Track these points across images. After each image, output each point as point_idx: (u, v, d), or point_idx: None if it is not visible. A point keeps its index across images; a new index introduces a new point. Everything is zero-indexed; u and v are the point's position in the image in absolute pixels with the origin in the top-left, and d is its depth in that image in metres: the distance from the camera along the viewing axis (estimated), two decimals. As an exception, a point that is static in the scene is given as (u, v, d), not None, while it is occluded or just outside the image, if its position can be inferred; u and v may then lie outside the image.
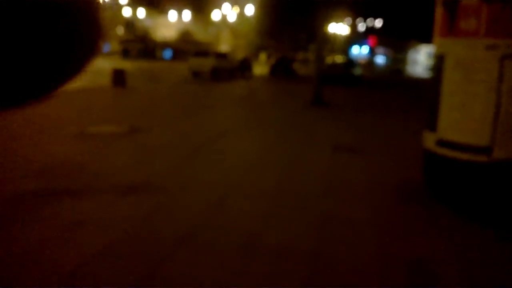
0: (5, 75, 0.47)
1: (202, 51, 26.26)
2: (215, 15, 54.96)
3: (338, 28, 52.84)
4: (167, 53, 45.72)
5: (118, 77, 17.10)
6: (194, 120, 10.76)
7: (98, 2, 0.54)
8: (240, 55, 36.88)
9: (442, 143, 4.93)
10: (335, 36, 52.64)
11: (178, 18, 58.40)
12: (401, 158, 7.44)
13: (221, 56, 26.60)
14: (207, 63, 25.02)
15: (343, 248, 3.88)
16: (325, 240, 4.04)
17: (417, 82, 33.20)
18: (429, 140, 5.21)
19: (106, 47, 40.51)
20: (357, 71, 26.98)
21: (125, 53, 42.57)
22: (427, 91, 5.43)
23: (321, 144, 8.41)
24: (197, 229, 4.17)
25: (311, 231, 4.26)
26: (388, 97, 19.52)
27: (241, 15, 53.56)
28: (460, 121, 4.72)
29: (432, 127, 5.09)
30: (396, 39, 46.19)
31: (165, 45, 48.33)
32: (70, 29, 0.51)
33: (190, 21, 58.82)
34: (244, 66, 28.97)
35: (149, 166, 6.28)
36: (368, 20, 61.36)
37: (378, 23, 61.06)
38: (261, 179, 5.93)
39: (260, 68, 37.42)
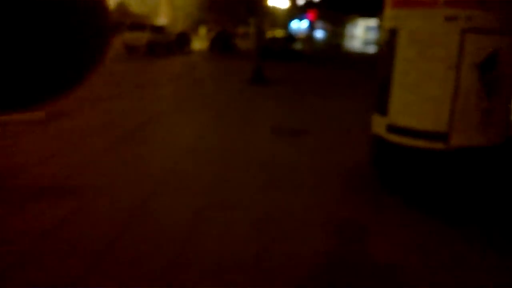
0: (16, 76, 0.45)
1: (137, 24, 24.58)
2: (153, -13, 52.37)
3: (278, 2, 52.06)
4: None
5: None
6: (124, 102, 9.76)
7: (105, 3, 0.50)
8: (179, 29, 35.36)
9: (393, 128, 4.37)
10: (275, 10, 51.86)
11: (113, -10, 55.27)
12: (345, 141, 6.91)
13: (158, 29, 25.08)
14: (142, 37, 23.54)
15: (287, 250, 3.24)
16: (268, 244, 3.38)
17: (356, 57, 33.24)
18: (378, 125, 4.65)
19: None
20: (297, 46, 26.45)
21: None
22: (376, 69, 4.83)
23: (261, 126, 7.73)
24: (116, 243, 3.38)
25: (253, 234, 3.59)
26: (329, 73, 19.11)
27: (178, -13, 51.37)
28: (414, 103, 4.17)
29: (382, 111, 4.52)
30: (335, 13, 46.03)
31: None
32: (80, 29, 0.49)
33: (126, -8, 55.87)
34: (182, 41, 27.66)
35: (64, 161, 5.34)
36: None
37: (317, -3, 60.74)
38: (195, 172, 5.17)
39: (200, 42, 36.07)
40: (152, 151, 5.93)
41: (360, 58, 32.21)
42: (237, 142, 6.57)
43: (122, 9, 48.61)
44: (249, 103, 10.32)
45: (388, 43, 4.47)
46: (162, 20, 44.40)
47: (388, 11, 4.54)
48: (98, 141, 6.23)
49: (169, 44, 25.45)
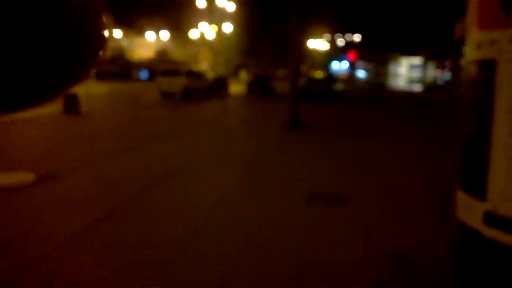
0: (8, 77, 0.46)
1: (172, 69, 23.82)
2: (193, 34, 52.82)
3: (318, 44, 51.38)
4: (143, 74, 43.43)
5: (70, 102, 14.70)
6: (138, 155, 8.41)
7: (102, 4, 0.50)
8: (218, 73, 34.77)
9: (497, 220, 2.64)
10: (315, 52, 51.06)
11: (156, 38, 56.30)
12: (401, 212, 5.16)
13: (194, 74, 24.20)
14: (177, 83, 22.71)
15: None
16: None
17: (401, 96, 31.29)
18: (468, 210, 2.92)
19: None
20: (338, 86, 24.92)
21: (100, 75, 40.09)
22: (454, 121, 3.16)
23: (294, 189, 6.10)
24: None
25: None
26: (373, 115, 17.33)
27: (219, 33, 51.55)
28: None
29: (475, 190, 2.80)
30: (377, 52, 44.49)
31: (141, 65, 46.05)
32: (74, 28, 0.49)
33: (168, 40, 56.85)
34: (220, 85, 26.70)
35: (36, 244, 3.90)
36: (347, 35, 59.93)
37: (357, 37, 59.87)
38: (206, 262, 3.58)
39: (240, 87, 35.26)
40: (153, 231, 4.39)
41: (405, 97, 30.28)
42: (262, 214, 4.95)
43: (163, 56, 49.09)
44: (282, 155, 8.73)
45: (478, 82, 2.80)
46: (199, 65, 44.28)
47: (476, 35, 2.89)
48: (81, 217, 4.77)
49: (206, 89, 24.48)
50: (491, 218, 2.72)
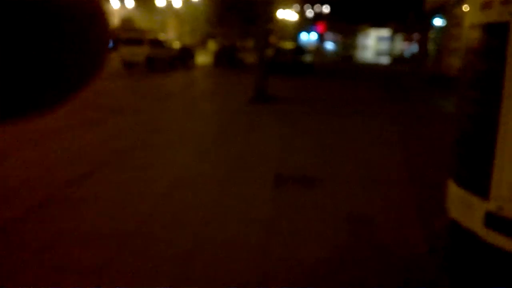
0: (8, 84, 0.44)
1: (135, 38, 22.52)
2: (160, 1, 50.76)
3: (287, 15, 50.35)
4: (107, 42, 41.48)
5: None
6: (90, 131, 7.63)
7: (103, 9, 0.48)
8: (186, 43, 33.48)
9: (500, 222, 2.13)
10: (284, 23, 50.07)
11: (120, 5, 53.91)
12: (377, 195, 4.68)
13: (158, 43, 22.98)
14: (140, 52, 21.50)
15: None
16: None
17: (370, 68, 30.96)
18: (463, 208, 2.40)
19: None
20: (308, 58, 24.25)
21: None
22: (449, 96, 2.61)
23: (259, 171, 5.52)
24: None
25: None
26: (343, 87, 16.83)
27: (186, 1, 49.71)
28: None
29: (476, 186, 2.27)
30: (345, 24, 43.83)
31: (105, 33, 43.99)
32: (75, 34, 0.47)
33: (134, 8, 54.55)
34: (186, 55, 25.60)
35: None
36: (316, 6, 58.89)
37: (326, 9, 59.01)
38: (154, 262, 2.97)
39: (208, 57, 34.12)
40: (93, 223, 3.75)
41: (374, 69, 29.96)
42: (222, 201, 4.36)
43: (127, 25, 47.08)
44: (246, 132, 8.12)
45: (483, 51, 2.23)
46: (165, 34, 42.62)
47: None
48: (12, 207, 4.07)
49: (171, 59, 23.37)
50: (494, 220, 2.20)
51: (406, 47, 37.30)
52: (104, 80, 16.97)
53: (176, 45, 26.09)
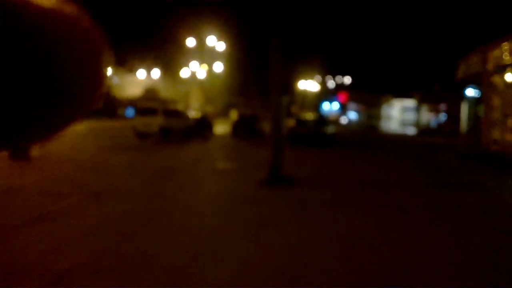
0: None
1: (149, 108, 21.18)
2: (184, 73, 50.71)
3: (308, 85, 49.53)
4: (129, 111, 40.89)
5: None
6: (66, 223, 5.59)
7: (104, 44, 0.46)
8: (208, 112, 32.37)
9: None
10: (305, 93, 49.14)
11: (146, 76, 54.27)
12: None
13: (172, 113, 21.55)
14: (154, 123, 20.03)
15: None
16: None
17: (397, 140, 28.80)
18: None
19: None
20: (330, 129, 22.35)
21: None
22: None
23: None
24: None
25: None
26: (372, 165, 14.56)
27: (210, 72, 49.51)
28: None
29: None
30: (368, 94, 42.40)
31: (129, 103, 43.62)
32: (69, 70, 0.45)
33: (159, 79, 54.85)
34: (203, 125, 24.05)
35: None
36: (338, 77, 58.24)
37: (348, 79, 58.28)
38: None
39: (228, 126, 32.72)
40: None
41: (400, 141, 27.80)
42: None
43: (150, 94, 46.75)
44: (251, 233, 5.92)
45: None
46: (194, 104, 41.83)
47: None
48: None
49: (186, 130, 21.81)
50: None
51: (433, 118, 35.22)
52: (110, 151, 15.33)
53: (194, 115, 24.69)
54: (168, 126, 20.50)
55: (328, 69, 50.45)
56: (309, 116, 24.94)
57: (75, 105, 0.44)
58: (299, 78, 47.77)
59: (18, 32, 0.39)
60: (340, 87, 53.34)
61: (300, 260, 4.86)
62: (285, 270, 4.57)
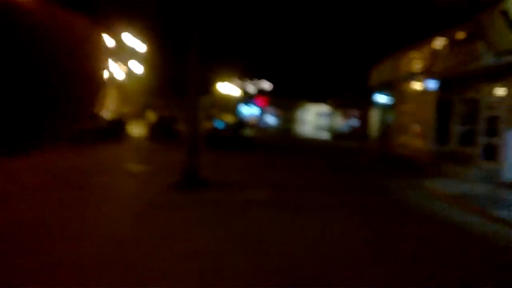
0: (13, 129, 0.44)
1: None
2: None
3: (228, 88, 49.45)
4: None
5: None
6: None
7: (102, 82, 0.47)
8: (125, 113, 30.93)
9: None
10: (226, 97, 49.01)
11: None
12: None
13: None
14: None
15: None
16: None
17: (312, 144, 29.53)
18: None
19: None
20: (249, 132, 22.28)
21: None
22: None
23: None
24: None
25: None
26: (291, 168, 14.58)
27: (128, 72, 47.57)
28: None
29: None
30: (286, 98, 43.23)
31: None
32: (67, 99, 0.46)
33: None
34: (118, 127, 22.86)
35: None
36: (258, 81, 58.87)
37: (267, 84, 59.08)
38: None
39: (144, 128, 31.46)
40: None
41: (315, 145, 28.55)
42: None
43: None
44: (156, 244, 5.45)
45: None
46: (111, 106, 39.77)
47: None
48: None
49: (99, 131, 20.55)
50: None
51: (346, 123, 36.65)
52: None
53: (107, 116, 23.41)
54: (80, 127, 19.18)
55: (249, 73, 50.73)
56: (229, 119, 24.72)
57: (78, 106, 0.32)
58: (220, 81, 47.53)
59: (18, 36, 0.29)
60: (260, 91, 53.92)
61: (207, 267, 4.51)
62: (194, 276, 4.20)
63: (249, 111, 47.16)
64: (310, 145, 27.93)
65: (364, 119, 29.31)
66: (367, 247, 5.67)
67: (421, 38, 15.98)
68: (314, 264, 4.86)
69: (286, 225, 6.54)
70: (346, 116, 36.65)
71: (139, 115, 46.30)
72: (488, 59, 11.11)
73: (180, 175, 9.25)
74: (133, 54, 43.69)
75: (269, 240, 5.70)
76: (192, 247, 5.22)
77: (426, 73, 15.54)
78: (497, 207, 7.99)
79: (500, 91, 11.88)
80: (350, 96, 34.37)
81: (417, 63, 16.64)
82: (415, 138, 16.61)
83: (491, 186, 10.30)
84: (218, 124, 22.00)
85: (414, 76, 16.82)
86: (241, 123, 23.29)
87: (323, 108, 40.15)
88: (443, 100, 14.71)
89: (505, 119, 11.30)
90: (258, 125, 41.35)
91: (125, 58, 44.21)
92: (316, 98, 40.69)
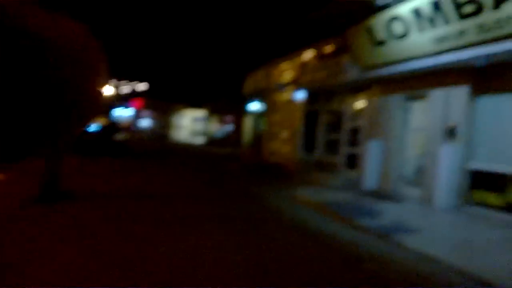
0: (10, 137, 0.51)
1: None
2: None
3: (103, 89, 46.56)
4: None
5: None
6: None
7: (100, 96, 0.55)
8: None
9: None
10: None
11: None
12: None
13: None
14: None
15: None
16: None
17: (187, 149, 29.12)
18: None
19: None
20: (122, 136, 21.09)
21: None
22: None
23: None
24: None
25: None
26: (165, 176, 14.04)
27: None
28: None
29: None
30: (163, 102, 42.21)
31: None
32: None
33: None
34: None
35: None
36: (134, 83, 56.60)
37: (144, 86, 57.18)
38: None
39: None
40: None
41: (190, 151, 28.22)
42: None
43: None
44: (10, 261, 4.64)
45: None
46: None
47: None
48: None
49: None
50: None
51: (220, 129, 37.00)
52: None
53: None
54: None
55: (124, 73, 48.47)
56: (100, 121, 23.13)
57: (80, 113, 0.36)
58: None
59: (19, 44, 0.31)
60: (135, 93, 51.86)
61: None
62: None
63: (123, 113, 45.00)
64: (185, 151, 27.53)
65: (238, 126, 29.84)
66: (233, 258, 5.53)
67: (293, 50, 16.71)
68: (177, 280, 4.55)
69: (147, 240, 6.11)
70: (222, 121, 37.02)
71: None
72: (353, 73, 11.92)
73: (39, 186, 8.21)
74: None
75: (126, 252, 5.23)
76: (48, 265, 4.53)
77: (295, 84, 16.25)
78: (358, 215, 8.50)
79: (361, 103, 12.87)
80: (225, 102, 34.78)
81: (288, 74, 17.34)
82: (285, 146, 17.27)
83: (353, 194, 11.01)
84: (87, 127, 20.44)
85: (284, 86, 17.49)
86: (114, 126, 22.00)
87: (199, 113, 40.06)
88: (311, 110, 15.51)
89: (365, 130, 12.24)
90: (132, 129, 39.65)
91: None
92: (193, 103, 40.46)
